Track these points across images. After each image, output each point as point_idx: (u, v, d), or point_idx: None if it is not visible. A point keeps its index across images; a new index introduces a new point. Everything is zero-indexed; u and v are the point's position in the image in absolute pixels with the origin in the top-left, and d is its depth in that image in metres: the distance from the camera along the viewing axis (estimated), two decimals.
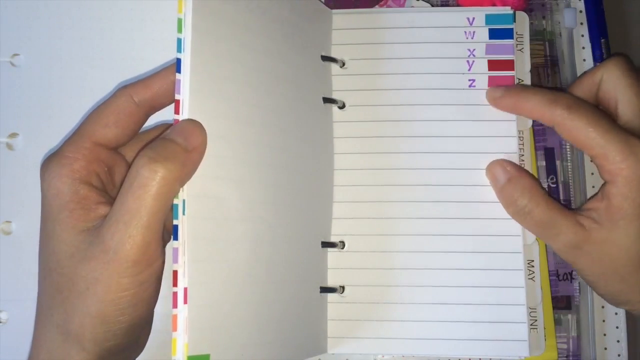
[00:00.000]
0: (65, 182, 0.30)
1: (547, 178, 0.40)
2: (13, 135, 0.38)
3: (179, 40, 0.29)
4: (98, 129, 0.31)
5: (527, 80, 0.39)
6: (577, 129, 0.33)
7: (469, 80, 0.38)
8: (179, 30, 0.29)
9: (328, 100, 0.38)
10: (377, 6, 0.41)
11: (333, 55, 0.39)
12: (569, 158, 0.40)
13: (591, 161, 0.39)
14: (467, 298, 0.36)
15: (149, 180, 0.27)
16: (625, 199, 0.32)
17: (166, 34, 0.39)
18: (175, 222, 0.28)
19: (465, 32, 0.38)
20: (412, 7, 0.40)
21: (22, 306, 0.36)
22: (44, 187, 0.30)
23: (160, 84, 0.32)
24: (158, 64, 0.39)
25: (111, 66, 0.39)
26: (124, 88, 0.32)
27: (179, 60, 0.28)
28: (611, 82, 0.35)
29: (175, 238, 0.28)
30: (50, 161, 0.30)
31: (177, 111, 0.28)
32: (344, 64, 0.39)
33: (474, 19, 0.38)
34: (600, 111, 0.34)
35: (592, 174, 0.39)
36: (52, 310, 0.29)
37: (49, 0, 0.39)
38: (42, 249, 0.30)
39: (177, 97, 0.28)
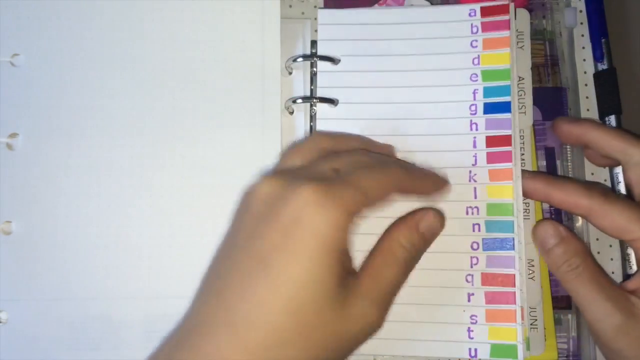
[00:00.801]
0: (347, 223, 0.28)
1: None
2: (13, 135, 0.38)
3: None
4: None
5: (528, 78, 0.39)
6: (614, 215, 0.34)
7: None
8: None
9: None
10: (376, 5, 0.41)
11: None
12: (569, 158, 0.40)
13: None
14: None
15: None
16: None
17: (166, 34, 0.39)
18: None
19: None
20: (411, 5, 0.40)
21: (22, 306, 0.36)
22: (318, 220, 0.28)
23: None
24: (158, 64, 0.39)
25: (111, 66, 0.39)
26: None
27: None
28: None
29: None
30: (332, 192, 0.28)
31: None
32: (337, 61, 0.39)
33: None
34: (633, 200, 0.35)
35: (592, 174, 0.39)
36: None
37: (49, 0, 0.39)
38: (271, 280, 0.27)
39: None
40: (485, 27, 0.38)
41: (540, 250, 0.36)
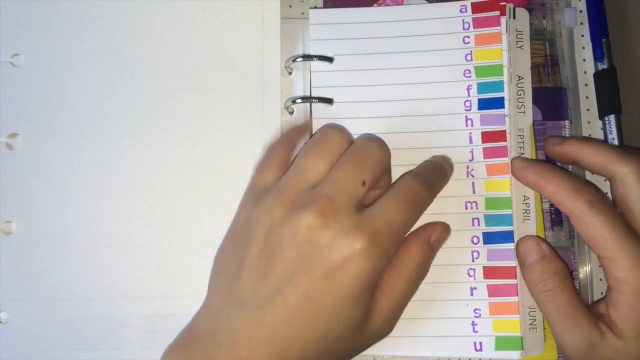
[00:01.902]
0: None
1: None
2: (13, 135, 0.38)
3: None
4: None
5: (528, 78, 0.39)
6: (593, 227, 0.33)
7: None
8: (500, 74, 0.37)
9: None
10: (375, 5, 0.41)
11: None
12: None
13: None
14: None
15: None
16: (632, 310, 0.32)
17: (166, 33, 0.39)
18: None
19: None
20: (404, 3, 0.41)
21: (22, 306, 0.36)
22: (363, 270, 0.31)
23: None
24: (158, 64, 0.39)
25: (111, 66, 0.39)
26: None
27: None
28: (628, 187, 0.34)
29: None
30: (379, 244, 0.31)
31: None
32: (331, 60, 0.39)
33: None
34: (619, 214, 0.34)
35: (593, 173, 0.39)
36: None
37: (49, 0, 0.39)
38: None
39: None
40: (477, 23, 0.38)
41: (520, 265, 0.36)
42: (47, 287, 0.37)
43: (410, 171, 0.35)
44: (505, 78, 0.38)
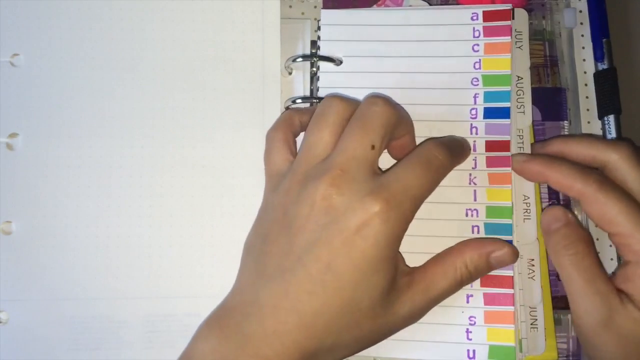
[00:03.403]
0: None
1: None
2: (13, 135, 0.38)
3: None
4: None
5: (527, 78, 0.39)
6: (607, 205, 0.34)
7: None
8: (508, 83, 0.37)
9: None
10: (374, 6, 0.41)
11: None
12: None
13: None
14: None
15: None
16: None
17: (166, 34, 0.39)
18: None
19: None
20: (410, 6, 0.40)
21: (22, 306, 0.36)
22: (381, 233, 0.30)
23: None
24: (158, 64, 0.39)
25: (111, 66, 0.39)
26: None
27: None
28: (623, 172, 0.35)
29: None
30: (395, 205, 0.31)
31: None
32: (337, 61, 0.39)
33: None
34: (627, 192, 0.34)
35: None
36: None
37: (49, 0, 0.39)
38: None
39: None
40: (487, 32, 0.38)
41: (543, 232, 0.36)
42: (48, 287, 0.37)
43: (433, 138, 0.35)
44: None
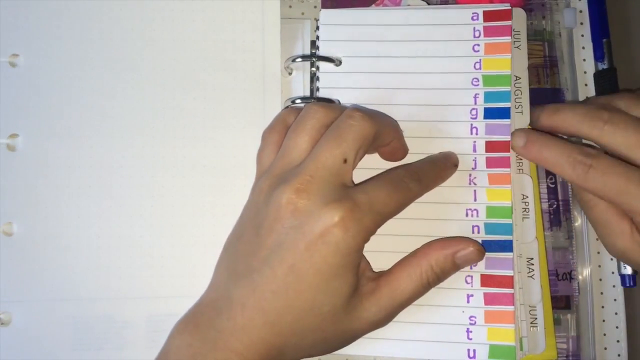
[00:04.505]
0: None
1: (547, 178, 0.40)
2: (13, 135, 0.38)
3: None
4: None
5: (525, 78, 0.39)
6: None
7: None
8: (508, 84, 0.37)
9: None
10: (373, 5, 0.41)
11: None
12: None
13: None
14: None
15: None
16: None
17: (166, 34, 0.39)
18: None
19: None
20: (409, 5, 0.40)
21: (24, 307, 0.36)
22: (342, 242, 0.31)
23: None
24: (158, 64, 0.39)
25: (111, 66, 0.39)
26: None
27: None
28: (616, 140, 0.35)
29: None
30: (357, 217, 0.31)
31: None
32: (336, 61, 0.39)
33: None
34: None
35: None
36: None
37: (49, 0, 0.39)
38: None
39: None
40: (488, 32, 0.38)
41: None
42: (50, 288, 0.37)
43: (406, 164, 0.36)
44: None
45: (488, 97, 0.38)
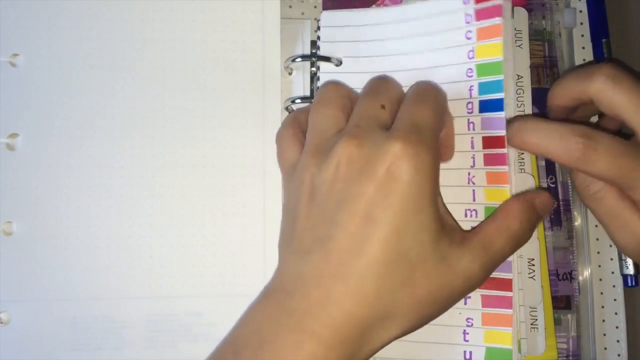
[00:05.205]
0: None
1: (547, 178, 0.40)
2: (13, 135, 0.38)
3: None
4: None
5: (527, 77, 0.39)
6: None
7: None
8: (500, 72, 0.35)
9: None
10: (374, 6, 0.41)
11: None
12: None
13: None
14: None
15: None
16: None
17: (166, 34, 0.39)
18: None
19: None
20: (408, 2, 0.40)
21: (23, 307, 0.36)
22: (412, 171, 0.29)
23: None
24: (158, 64, 0.39)
25: (111, 66, 0.39)
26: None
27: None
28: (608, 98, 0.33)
29: None
30: (418, 140, 0.30)
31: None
32: (336, 61, 0.39)
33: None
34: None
35: None
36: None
37: (49, 0, 0.39)
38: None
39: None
40: (479, 15, 0.37)
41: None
42: (49, 288, 0.37)
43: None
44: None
45: (482, 88, 0.36)
